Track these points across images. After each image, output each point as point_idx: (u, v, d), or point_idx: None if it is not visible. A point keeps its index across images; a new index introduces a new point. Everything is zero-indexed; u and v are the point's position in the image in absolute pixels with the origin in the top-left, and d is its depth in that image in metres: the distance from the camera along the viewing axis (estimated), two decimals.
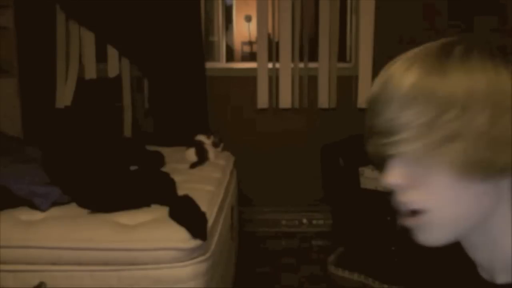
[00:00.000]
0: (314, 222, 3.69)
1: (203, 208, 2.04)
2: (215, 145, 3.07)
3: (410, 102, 0.62)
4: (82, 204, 2.06)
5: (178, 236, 1.86)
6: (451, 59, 0.64)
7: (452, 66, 0.63)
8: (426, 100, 0.62)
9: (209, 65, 3.63)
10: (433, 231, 0.66)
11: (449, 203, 0.64)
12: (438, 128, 0.61)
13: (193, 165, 2.80)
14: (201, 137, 3.05)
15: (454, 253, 0.76)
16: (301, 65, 3.58)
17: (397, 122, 0.63)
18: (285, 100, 3.58)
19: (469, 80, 0.62)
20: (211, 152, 2.95)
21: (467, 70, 0.63)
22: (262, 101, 3.60)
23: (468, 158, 0.61)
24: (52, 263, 1.88)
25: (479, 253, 0.71)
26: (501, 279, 0.69)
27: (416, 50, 0.68)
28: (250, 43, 4.08)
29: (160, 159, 2.79)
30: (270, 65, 3.57)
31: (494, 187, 0.65)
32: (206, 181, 2.48)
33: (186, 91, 3.55)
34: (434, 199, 0.64)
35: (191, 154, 2.91)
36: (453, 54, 0.64)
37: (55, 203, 2.05)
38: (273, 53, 3.57)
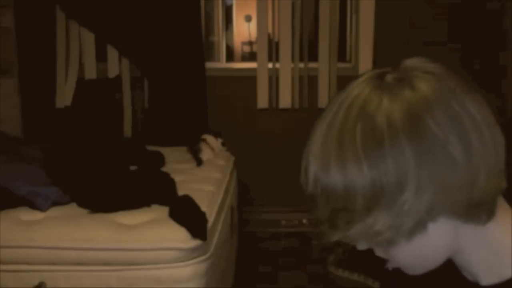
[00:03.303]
0: (314, 222, 3.69)
1: (203, 208, 2.04)
2: (223, 145, 3.14)
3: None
4: (82, 204, 2.06)
5: (178, 236, 1.86)
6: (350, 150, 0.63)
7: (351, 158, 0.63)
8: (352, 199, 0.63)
9: (209, 65, 3.63)
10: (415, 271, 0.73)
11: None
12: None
13: (199, 163, 2.82)
14: (208, 137, 3.07)
15: None
16: (301, 65, 3.58)
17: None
18: (285, 100, 3.58)
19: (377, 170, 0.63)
20: (207, 153, 2.94)
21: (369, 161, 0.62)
22: (262, 101, 3.60)
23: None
24: (52, 263, 1.88)
25: (458, 259, 0.73)
26: (484, 281, 0.70)
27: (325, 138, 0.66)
28: (250, 43, 4.08)
29: (160, 159, 2.79)
30: (270, 65, 3.57)
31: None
32: (206, 181, 2.48)
33: (186, 91, 3.55)
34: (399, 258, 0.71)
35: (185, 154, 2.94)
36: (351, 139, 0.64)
37: (55, 203, 2.05)
38: (273, 53, 3.57)
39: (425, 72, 0.65)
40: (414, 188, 0.61)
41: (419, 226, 0.64)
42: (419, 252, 0.68)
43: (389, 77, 0.65)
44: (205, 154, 2.93)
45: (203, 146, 2.96)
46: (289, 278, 3.01)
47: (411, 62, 0.67)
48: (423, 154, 0.61)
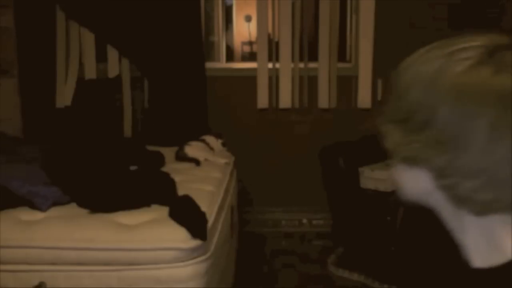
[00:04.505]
0: (314, 222, 3.69)
1: (203, 208, 2.04)
2: (223, 145, 3.17)
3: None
4: (82, 204, 2.06)
5: (178, 236, 1.86)
6: None
7: None
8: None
9: (209, 65, 3.63)
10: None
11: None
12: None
13: (197, 163, 2.82)
14: (208, 138, 3.07)
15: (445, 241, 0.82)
16: (301, 65, 3.58)
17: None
18: (285, 100, 3.59)
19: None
20: (194, 152, 2.93)
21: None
22: (262, 101, 3.60)
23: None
24: (52, 263, 1.87)
25: (459, 237, 0.78)
26: (474, 264, 0.76)
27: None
28: (250, 43, 4.09)
29: (160, 159, 2.79)
30: (270, 65, 3.57)
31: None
32: (206, 181, 2.48)
33: (186, 91, 3.55)
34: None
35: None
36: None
37: (55, 203, 2.05)
38: (273, 53, 3.57)
39: None
40: (434, 130, 0.69)
41: (410, 159, 0.74)
42: (402, 179, 0.78)
43: (505, 55, 0.69)
44: (193, 152, 2.91)
45: (186, 149, 2.93)
46: (289, 278, 3.01)
47: None
48: (471, 123, 0.66)
